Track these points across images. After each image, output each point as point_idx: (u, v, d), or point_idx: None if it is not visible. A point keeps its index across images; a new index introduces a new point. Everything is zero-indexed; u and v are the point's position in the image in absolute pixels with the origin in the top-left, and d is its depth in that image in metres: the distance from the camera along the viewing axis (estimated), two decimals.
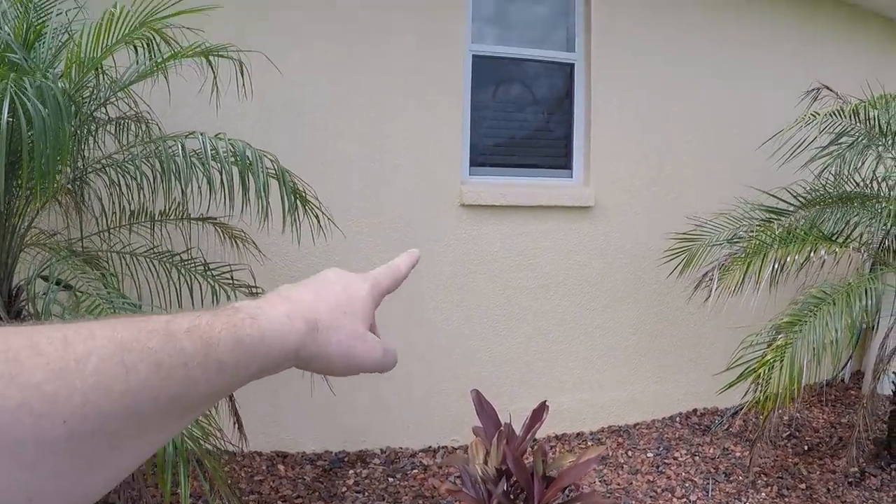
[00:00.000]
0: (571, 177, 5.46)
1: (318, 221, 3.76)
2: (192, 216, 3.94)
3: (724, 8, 5.82)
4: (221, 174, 3.32)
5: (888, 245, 4.55)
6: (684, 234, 4.95)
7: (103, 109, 3.66)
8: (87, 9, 3.50)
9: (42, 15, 3.52)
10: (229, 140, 3.37)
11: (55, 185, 2.76)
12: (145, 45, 3.43)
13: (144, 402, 0.45)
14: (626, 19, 5.44)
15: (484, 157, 5.30)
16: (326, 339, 0.63)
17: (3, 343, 0.40)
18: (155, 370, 0.46)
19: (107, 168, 3.55)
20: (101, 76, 3.49)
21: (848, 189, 4.86)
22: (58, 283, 2.98)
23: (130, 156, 3.53)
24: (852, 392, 6.33)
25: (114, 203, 3.76)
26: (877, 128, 4.48)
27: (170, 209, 3.90)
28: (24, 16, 3.41)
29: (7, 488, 0.39)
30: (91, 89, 3.52)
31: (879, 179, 4.76)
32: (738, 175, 5.48)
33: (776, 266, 4.18)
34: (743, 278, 4.24)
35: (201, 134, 3.34)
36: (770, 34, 6.03)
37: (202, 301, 3.74)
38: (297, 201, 3.58)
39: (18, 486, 0.39)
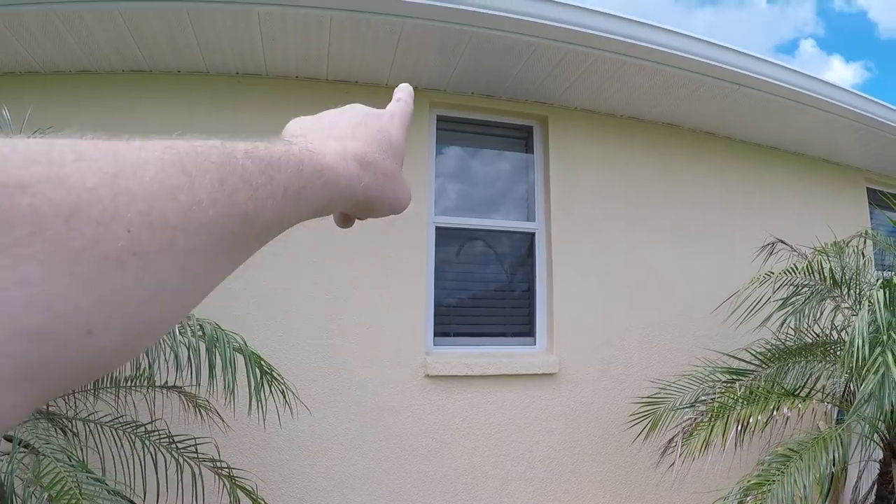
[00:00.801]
0: (535, 344, 5.51)
1: (284, 397, 3.76)
2: (157, 384, 3.92)
3: (679, 167, 6.17)
4: (189, 350, 3.37)
5: (853, 389, 4.59)
6: (648, 397, 4.96)
7: None
8: None
9: None
10: (198, 320, 3.46)
11: None
12: None
13: (215, 217, 0.41)
14: (586, 189, 5.71)
15: (448, 326, 5.36)
16: (373, 182, 0.62)
17: (39, 146, 0.34)
18: (219, 185, 0.42)
19: None
20: None
21: (808, 341, 4.94)
22: (25, 447, 2.92)
23: None
24: None
25: None
26: (830, 279, 4.64)
27: (136, 376, 3.88)
28: None
29: (64, 315, 0.33)
30: None
31: (838, 329, 4.86)
32: (701, 336, 5.62)
33: (739, 427, 4.20)
34: (706, 442, 4.23)
35: None
36: (724, 188, 6.38)
37: (166, 474, 3.64)
38: (263, 380, 3.61)
39: (77, 311, 0.33)
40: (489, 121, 5.69)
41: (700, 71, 5.19)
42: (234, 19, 4.37)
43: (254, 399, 3.51)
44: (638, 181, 5.94)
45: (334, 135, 0.61)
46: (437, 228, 5.36)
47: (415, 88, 3.62)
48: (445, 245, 5.39)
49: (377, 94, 5.19)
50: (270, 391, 3.65)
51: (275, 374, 3.73)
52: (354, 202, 0.61)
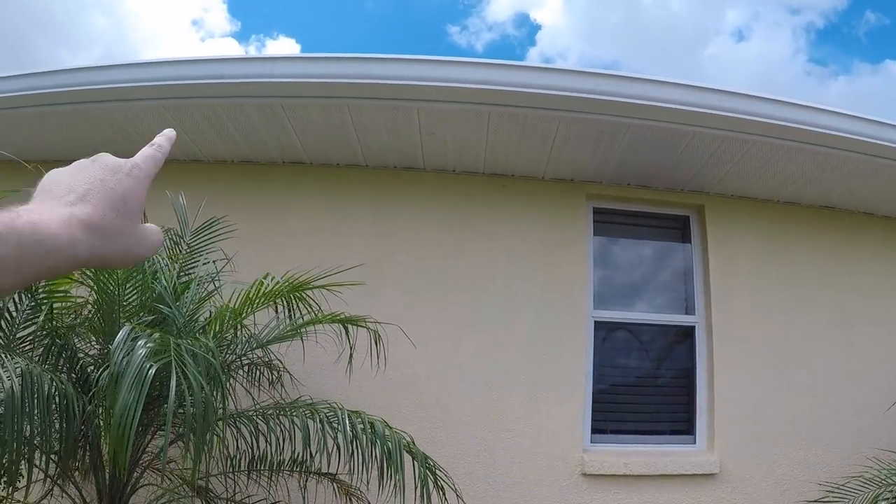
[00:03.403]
0: (695, 442, 5.29)
1: (444, 494, 3.71)
2: (311, 470, 3.97)
3: (839, 252, 5.88)
4: (353, 443, 3.39)
5: None
6: (815, 501, 4.66)
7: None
8: (235, 261, 3.79)
9: (188, 269, 3.84)
10: (369, 420, 3.50)
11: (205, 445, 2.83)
12: (286, 305, 3.64)
13: None
14: (745, 279, 5.53)
15: (604, 423, 5.23)
16: (101, 244, 0.63)
17: None
18: None
19: (237, 420, 3.65)
20: (240, 330, 3.67)
21: None
22: None
23: (261, 411, 3.64)
24: None
25: (237, 447, 3.85)
26: None
27: (292, 460, 3.94)
28: (173, 269, 3.72)
29: None
30: (229, 341, 3.70)
31: None
32: (870, 434, 5.27)
33: None
34: None
35: (341, 409, 3.49)
36: (888, 271, 5.98)
37: None
38: (428, 479, 3.56)
39: None
40: (645, 212, 5.64)
41: (857, 150, 4.97)
42: (394, 114, 4.50)
43: (420, 497, 3.46)
44: (797, 268, 5.70)
45: (68, 199, 0.62)
46: (596, 322, 5.29)
47: (570, 181, 3.61)
48: (603, 338, 5.31)
49: (533, 187, 5.25)
50: (435, 486, 3.61)
51: (438, 473, 3.69)
52: (83, 263, 0.62)
